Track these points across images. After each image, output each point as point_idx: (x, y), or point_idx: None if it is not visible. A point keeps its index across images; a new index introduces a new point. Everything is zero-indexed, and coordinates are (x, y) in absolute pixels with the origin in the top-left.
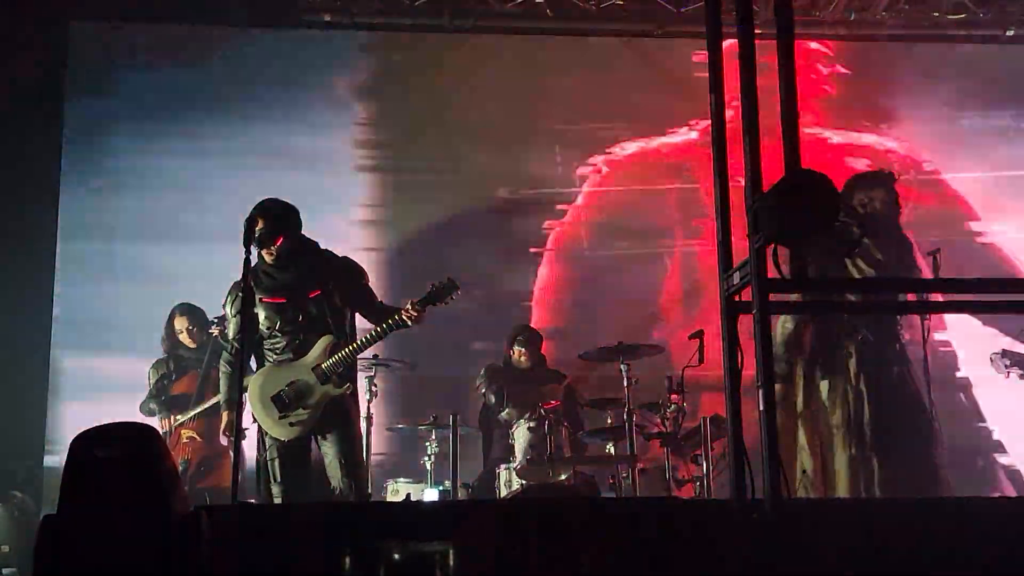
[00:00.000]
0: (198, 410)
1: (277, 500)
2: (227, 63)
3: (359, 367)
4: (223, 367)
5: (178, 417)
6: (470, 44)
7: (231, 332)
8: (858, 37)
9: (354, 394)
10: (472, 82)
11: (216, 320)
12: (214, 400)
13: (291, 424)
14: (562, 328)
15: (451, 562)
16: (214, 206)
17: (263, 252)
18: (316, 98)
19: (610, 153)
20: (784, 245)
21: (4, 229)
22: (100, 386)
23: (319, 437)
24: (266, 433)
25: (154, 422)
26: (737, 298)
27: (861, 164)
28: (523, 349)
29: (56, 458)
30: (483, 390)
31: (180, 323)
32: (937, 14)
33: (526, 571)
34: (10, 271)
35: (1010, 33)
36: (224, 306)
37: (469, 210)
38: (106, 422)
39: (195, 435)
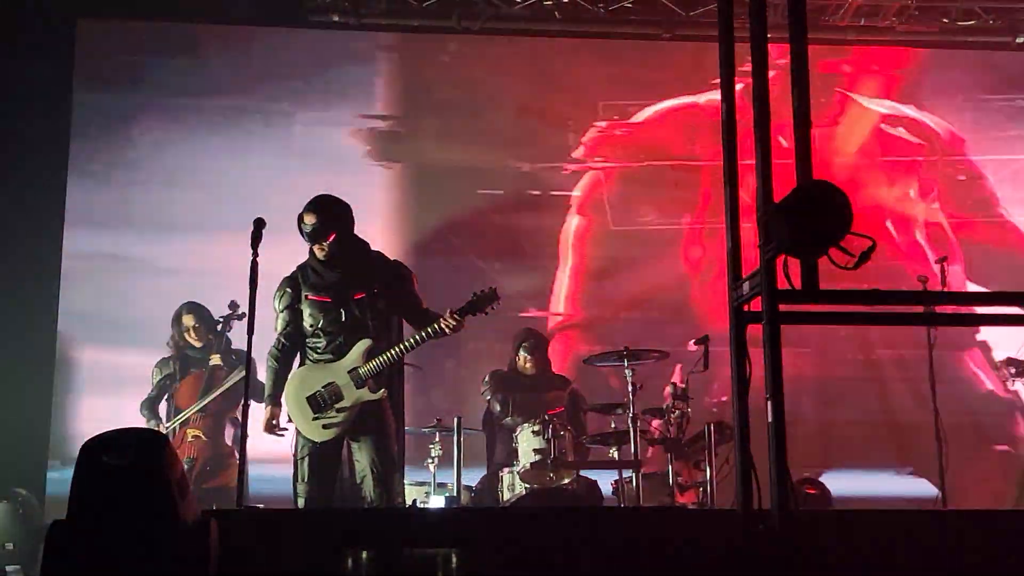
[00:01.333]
0: (198, 406)
1: (301, 499)
2: (235, 61)
3: None
4: (269, 361)
5: (184, 412)
6: (482, 42)
7: (278, 328)
8: (867, 42)
9: (393, 400)
10: (484, 79)
11: (222, 319)
12: (218, 392)
13: (324, 426)
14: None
15: (455, 567)
16: (223, 202)
17: (315, 248)
18: (327, 96)
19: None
20: (795, 256)
21: (11, 223)
22: (105, 382)
23: (352, 442)
24: (300, 433)
25: (155, 422)
26: (746, 308)
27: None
28: (528, 356)
29: (60, 456)
30: (488, 397)
31: (187, 320)
32: (947, 20)
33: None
34: (16, 265)
35: (1020, 40)
36: (273, 301)
37: (476, 209)
38: (111, 417)
39: (200, 434)
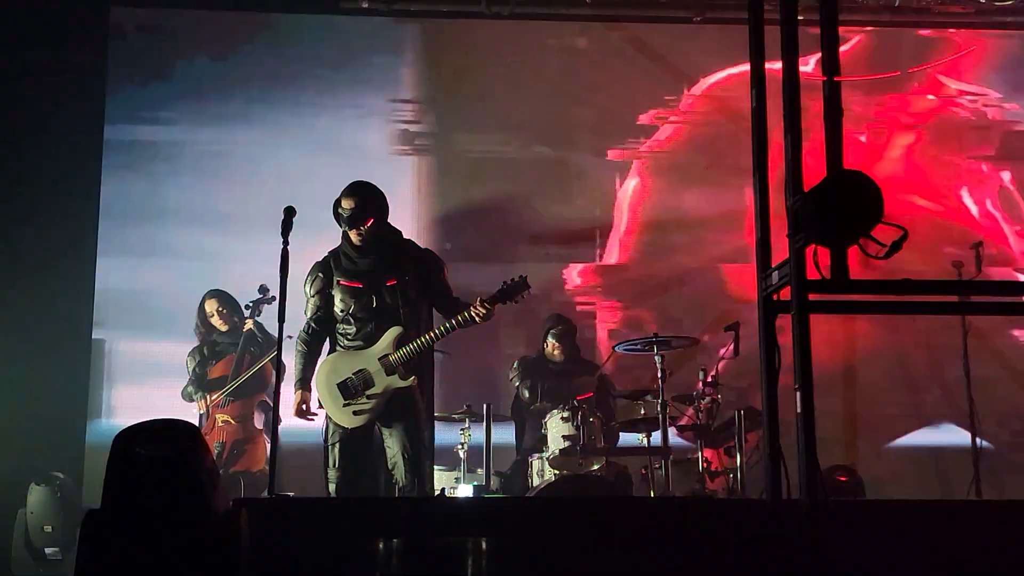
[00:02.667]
0: (230, 388)
1: (332, 486)
2: (265, 49)
3: None
4: (298, 346)
5: (214, 397)
6: (512, 28)
7: (308, 313)
8: (902, 24)
9: (423, 387)
10: (514, 66)
11: (251, 303)
12: (247, 375)
13: (355, 413)
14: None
15: (484, 555)
16: (255, 192)
17: (351, 232)
18: (356, 84)
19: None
20: (825, 246)
21: (46, 211)
22: (141, 368)
23: (384, 429)
24: (330, 419)
25: (192, 405)
26: (776, 297)
27: None
28: (556, 343)
29: (98, 441)
30: (516, 383)
31: (210, 306)
32: (984, 0)
33: (558, 565)
34: (52, 253)
35: None
36: (303, 286)
37: (507, 195)
38: (146, 405)
39: (229, 419)
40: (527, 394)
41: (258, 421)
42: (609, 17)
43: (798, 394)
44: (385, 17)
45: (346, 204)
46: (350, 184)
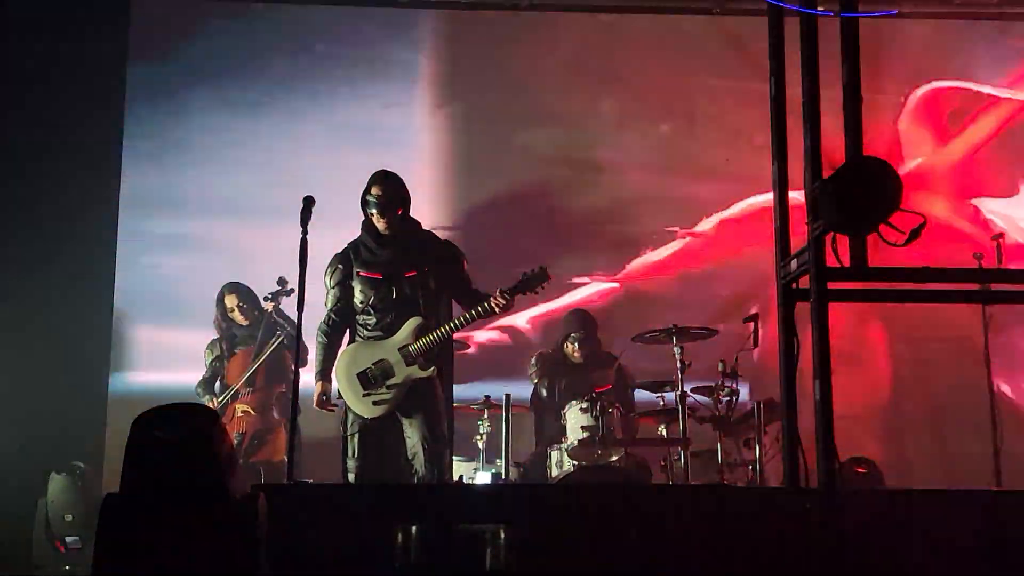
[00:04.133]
0: (250, 371)
1: (351, 475)
2: (285, 37)
3: None
4: (318, 337)
5: (234, 387)
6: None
7: (329, 304)
8: (919, 15)
9: (443, 377)
10: (532, 56)
11: (270, 296)
12: (263, 357)
13: (374, 403)
14: None
15: (502, 543)
16: (271, 181)
17: (380, 220)
18: (374, 74)
19: None
20: (843, 233)
21: (67, 198)
22: (161, 358)
23: (403, 419)
24: (350, 409)
25: (208, 398)
26: (795, 286)
27: None
28: (576, 346)
29: (118, 430)
30: (535, 380)
31: (230, 301)
32: None
33: (575, 553)
34: (72, 243)
35: None
36: (324, 277)
37: (530, 187)
38: (166, 395)
39: (249, 409)
40: (544, 392)
41: (276, 412)
42: (628, 8)
43: (816, 382)
44: (404, 8)
45: (375, 191)
46: (378, 172)
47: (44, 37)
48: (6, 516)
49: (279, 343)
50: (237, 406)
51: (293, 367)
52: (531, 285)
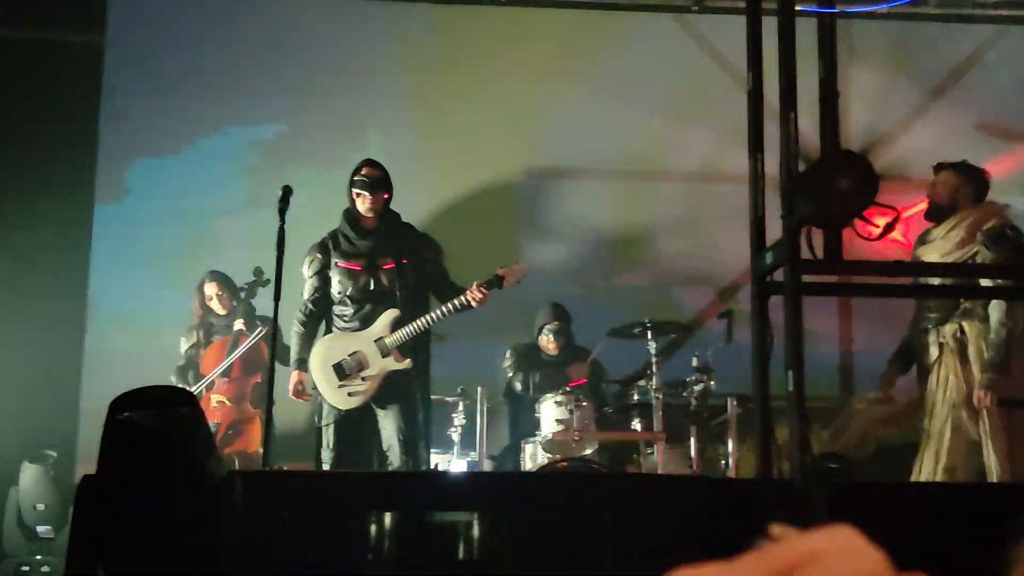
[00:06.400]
0: (226, 363)
1: (326, 467)
2: (273, 30)
3: None
4: (295, 327)
5: (209, 376)
6: (514, 14)
7: (305, 294)
8: (900, 16)
9: (418, 370)
10: (515, 52)
11: (245, 287)
12: (240, 350)
13: (349, 394)
14: None
15: (475, 532)
16: (249, 174)
17: (365, 200)
18: (359, 69)
19: None
20: (819, 226)
21: (40, 179)
22: (135, 345)
23: (378, 411)
24: (325, 400)
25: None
26: (769, 279)
27: None
28: (551, 338)
29: (90, 419)
30: (509, 374)
31: (210, 289)
32: None
33: (549, 542)
34: (45, 225)
35: None
36: (301, 267)
37: (501, 183)
38: (140, 383)
39: (224, 399)
40: (519, 386)
41: (252, 402)
42: (608, 5)
43: (789, 374)
44: (385, 1)
45: (367, 172)
46: (366, 158)
47: (21, 24)
48: None
49: (259, 335)
50: (212, 396)
51: (268, 357)
52: (507, 279)
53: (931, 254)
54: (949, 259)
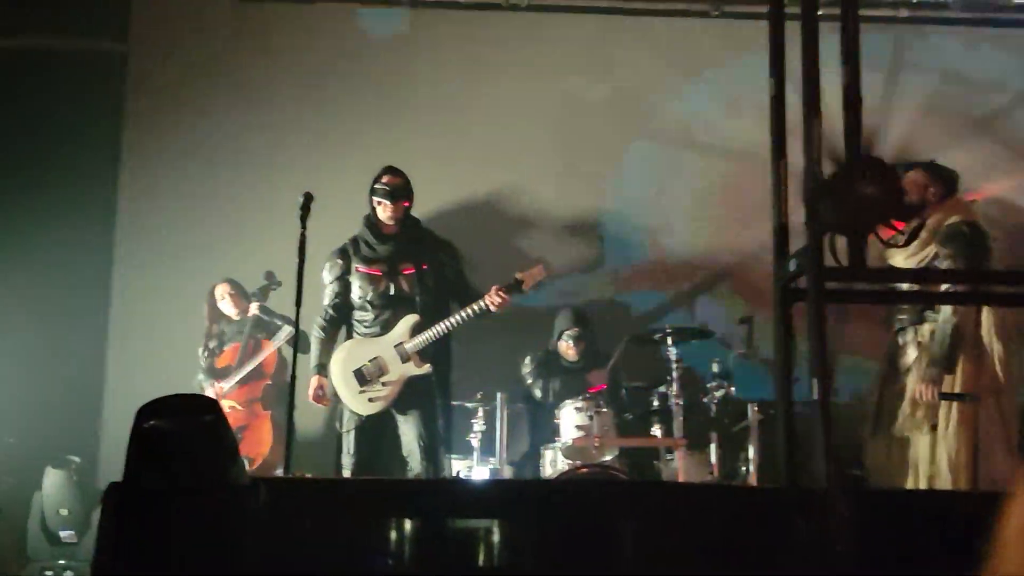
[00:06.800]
0: (238, 377)
1: (347, 472)
2: (278, 36)
3: None
4: (315, 332)
5: (223, 384)
6: (528, 21)
7: (326, 300)
8: (920, 20)
9: (439, 375)
10: (529, 59)
11: (257, 290)
12: (256, 362)
13: (369, 399)
14: None
15: (496, 539)
16: (270, 182)
17: (386, 208)
18: (369, 74)
19: None
20: (842, 234)
21: (65, 188)
22: (157, 351)
23: (399, 416)
24: (345, 406)
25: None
26: (792, 285)
27: None
28: (570, 343)
29: (113, 424)
30: (529, 380)
31: (221, 289)
32: None
33: (571, 550)
34: (69, 235)
35: None
36: (322, 272)
37: (521, 187)
38: (162, 389)
39: (236, 404)
40: (538, 393)
41: (262, 405)
42: (626, 10)
43: (814, 382)
44: (403, 7)
45: (388, 180)
46: (387, 166)
47: (48, 34)
48: (1, 511)
49: (273, 347)
50: (224, 401)
51: (275, 366)
52: (527, 283)
53: (896, 256)
54: (912, 260)
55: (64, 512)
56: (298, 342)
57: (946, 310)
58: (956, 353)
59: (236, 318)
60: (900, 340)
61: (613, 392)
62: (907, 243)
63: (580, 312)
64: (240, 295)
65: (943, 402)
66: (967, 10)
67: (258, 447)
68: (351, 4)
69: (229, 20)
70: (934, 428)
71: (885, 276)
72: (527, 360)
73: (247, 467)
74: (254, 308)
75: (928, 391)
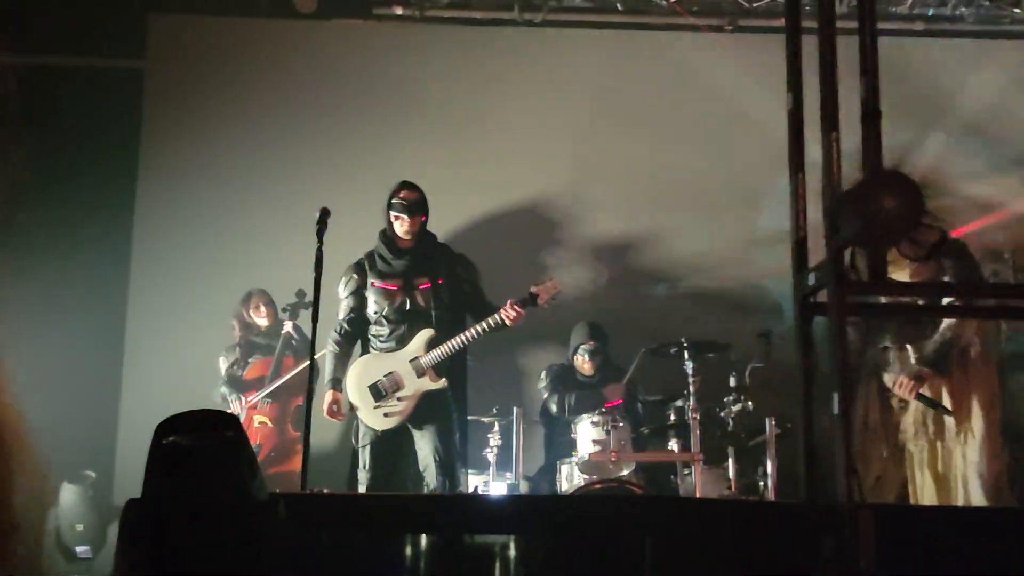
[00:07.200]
0: (271, 388)
1: (362, 488)
2: (297, 55)
3: None
4: (330, 346)
5: (250, 398)
6: (543, 36)
7: (341, 314)
8: (935, 33)
9: (455, 390)
10: (546, 73)
11: (288, 308)
12: (286, 378)
13: (385, 415)
14: None
15: (512, 554)
16: (286, 197)
17: (403, 223)
18: (386, 90)
19: None
20: (862, 247)
21: (83, 203)
22: (173, 367)
23: (415, 431)
24: (361, 421)
25: (226, 406)
26: (812, 299)
27: None
28: (586, 358)
29: (129, 439)
30: (545, 395)
31: (257, 298)
32: (1018, 11)
33: (588, 566)
34: (85, 248)
35: None
36: (337, 287)
37: (537, 201)
38: (178, 405)
39: (267, 420)
40: (555, 408)
41: (292, 425)
42: (641, 25)
43: (835, 396)
44: (418, 23)
45: (405, 195)
46: (403, 181)
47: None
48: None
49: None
50: (255, 416)
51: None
52: (542, 296)
53: (896, 273)
54: (913, 276)
55: (80, 528)
56: (313, 359)
57: (948, 320)
58: (948, 359)
59: (266, 328)
60: (887, 358)
61: (629, 406)
62: (928, 256)
63: (596, 326)
64: (272, 305)
65: (944, 416)
66: (980, 23)
67: (290, 465)
68: (366, 20)
69: (244, 38)
70: (935, 439)
71: (906, 289)
72: (543, 374)
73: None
74: (288, 327)
75: (908, 385)
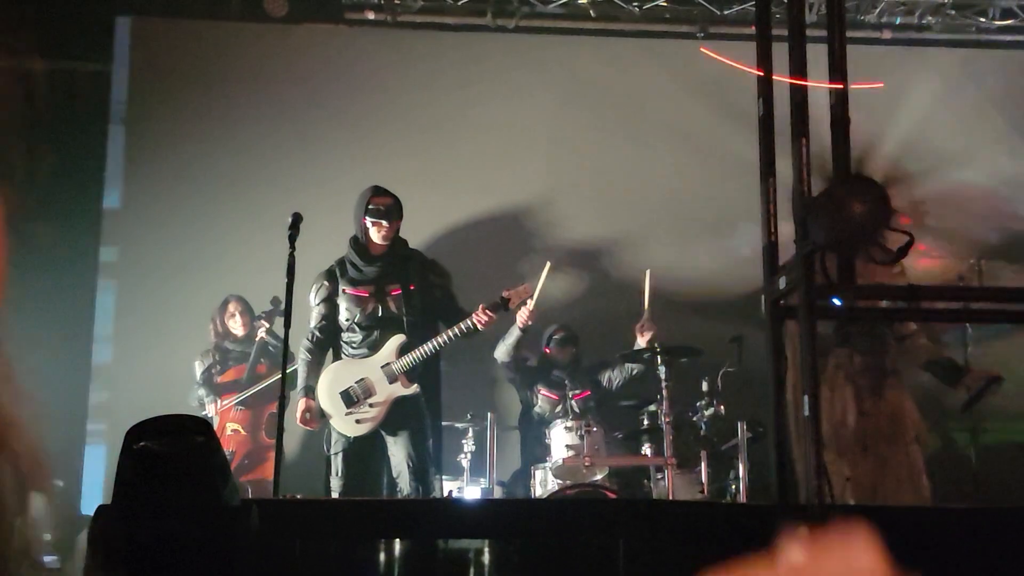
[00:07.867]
0: (246, 395)
1: (335, 494)
2: (269, 59)
3: None
4: (302, 354)
5: (225, 402)
6: (515, 41)
7: (312, 322)
8: (902, 42)
9: (428, 396)
10: (519, 78)
11: (263, 315)
12: (262, 386)
13: (357, 421)
14: None
15: (487, 559)
16: (260, 202)
17: (380, 229)
18: (359, 95)
19: None
20: (831, 252)
21: (48, 206)
22: (143, 376)
23: (388, 437)
24: (334, 427)
25: (202, 410)
26: (782, 303)
27: None
28: (559, 346)
29: (96, 448)
30: (516, 388)
31: (233, 307)
32: (984, 20)
33: (561, 570)
34: (53, 254)
35: None
36: (309, 294)
37: (509, 208)
38: (147, 413)
39: (239, 428)
40: (511, 373)
41: (267, 432)
42: (614, 32)
43: (805, 398)
44: (391, 28)
45: (379, 201)
46: (375, 186)
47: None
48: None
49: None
50: (227, 424)
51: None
52: (513, 301)
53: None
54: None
55: (47, 537)
56: (285, 365)
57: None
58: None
59: (241, 336)
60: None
61: (598, 400)
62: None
63: (566, 325)
64: (248, 313)
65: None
66: (948, 32)
67: (265, 473)
68: (340, 25)
69: (215, 42)
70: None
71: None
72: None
73: (250, 492)
74: (262, 332)
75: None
